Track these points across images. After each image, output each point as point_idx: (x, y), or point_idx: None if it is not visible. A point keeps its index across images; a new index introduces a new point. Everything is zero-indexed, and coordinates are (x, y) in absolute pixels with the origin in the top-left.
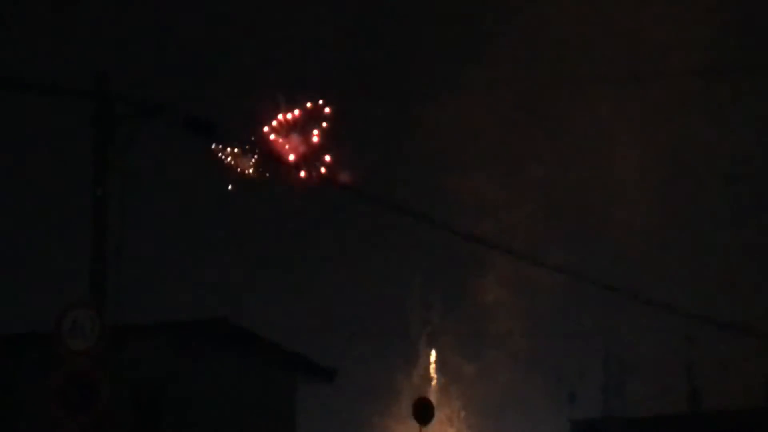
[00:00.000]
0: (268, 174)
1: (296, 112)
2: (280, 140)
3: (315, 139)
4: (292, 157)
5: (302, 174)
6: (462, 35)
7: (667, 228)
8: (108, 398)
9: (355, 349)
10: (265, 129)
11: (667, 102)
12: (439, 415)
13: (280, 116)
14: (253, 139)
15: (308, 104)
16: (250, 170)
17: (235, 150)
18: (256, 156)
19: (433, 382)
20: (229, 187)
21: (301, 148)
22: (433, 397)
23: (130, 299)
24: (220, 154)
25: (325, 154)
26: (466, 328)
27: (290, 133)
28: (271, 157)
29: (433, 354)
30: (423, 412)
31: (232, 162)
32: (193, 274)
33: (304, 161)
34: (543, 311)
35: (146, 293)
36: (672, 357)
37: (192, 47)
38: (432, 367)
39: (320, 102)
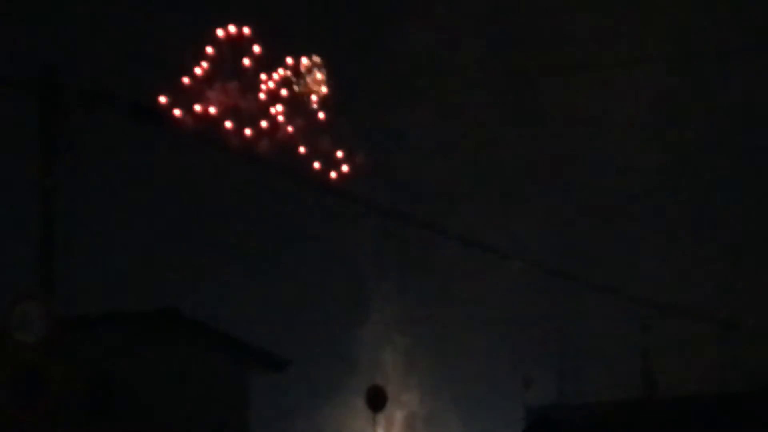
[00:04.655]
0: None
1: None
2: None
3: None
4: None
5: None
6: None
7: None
8: (59, 390)
9: (308, 334)
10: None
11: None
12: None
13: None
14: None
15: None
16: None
17: None
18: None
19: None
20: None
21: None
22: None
23: (82, 290)
24: None
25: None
26: (421, 310)
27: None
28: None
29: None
30: (375, 399)
31: None
32: (147, 264)
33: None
34: (499, 294)
35: (100, 284)
36: (629, 343)
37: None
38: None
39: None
